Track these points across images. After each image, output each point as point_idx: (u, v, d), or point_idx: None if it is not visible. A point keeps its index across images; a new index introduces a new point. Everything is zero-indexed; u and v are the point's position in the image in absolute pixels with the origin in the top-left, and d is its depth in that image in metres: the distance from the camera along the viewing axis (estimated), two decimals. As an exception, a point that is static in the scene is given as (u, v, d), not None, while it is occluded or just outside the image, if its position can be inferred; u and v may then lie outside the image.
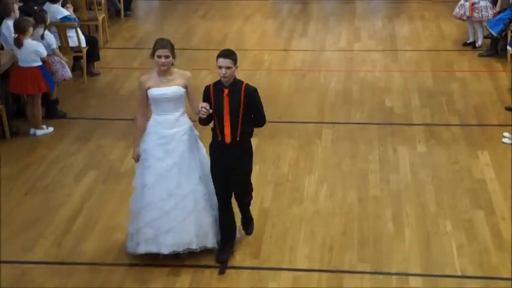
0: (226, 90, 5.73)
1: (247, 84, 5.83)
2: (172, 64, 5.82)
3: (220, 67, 5.68)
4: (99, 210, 6.97)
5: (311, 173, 7.64)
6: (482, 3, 10.85)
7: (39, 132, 8.61)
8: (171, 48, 5.78)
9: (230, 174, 5.88)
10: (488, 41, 11.00)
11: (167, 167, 5.81)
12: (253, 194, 6.94)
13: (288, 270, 6.01)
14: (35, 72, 8.42)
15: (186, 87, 5.86)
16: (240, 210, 6.23)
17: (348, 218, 6.80)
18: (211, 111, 5.70)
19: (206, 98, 5.79)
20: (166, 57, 5.74)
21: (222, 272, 5.91)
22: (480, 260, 6.13)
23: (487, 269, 6.02)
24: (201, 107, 5.67)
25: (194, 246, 5.93)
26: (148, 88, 5.82)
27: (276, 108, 9.27)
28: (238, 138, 5.78)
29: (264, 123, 6.03)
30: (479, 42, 11.14)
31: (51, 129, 8.71)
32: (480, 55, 10.87)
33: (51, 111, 9.04)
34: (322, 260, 6.17)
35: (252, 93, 5.81)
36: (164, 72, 5.81)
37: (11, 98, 8.89)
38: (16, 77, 8.49)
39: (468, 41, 11.29)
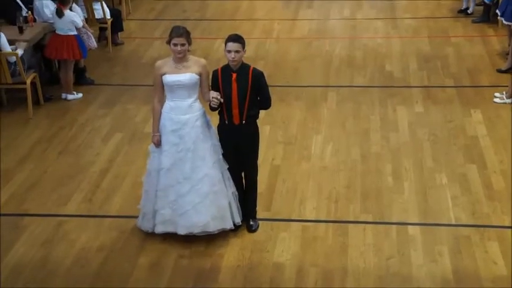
0: (234, 75, 5.50)
1: (254, 68, 5.61)
2: (188, 51, 5.53)
3: (229, 51, 5.46)
4: (125, 168, 6.97)
5: (318, 132, 7.58)
6: None
7: (70, 96, 8.58)
8: (187, 36, 5.47)
9: (239, 154, 5.70)
10: (481, 8, 10.79)
11: (182, 151, 5.54)
12: (266, 152, 6.94)
13: (297, 221, 6.01)
14: (71, 40, 8.38)
15: (200, 75, 5.54)
16: (246, 194, 5.88)
17: (352, 173, 6.76)
18: (222, 100, 5.48)
19: (214, 82, 5.57)
20: (182, 45, 5.42)
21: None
22: (473, 210, 6.10)
23: (479, 217, 6.00)
24: (212, 97, 5.44)
25: (211, 228, 5.63)
26: (164, 74, 5.50)
27: (285, 73, 9.18)
28: (244, 121, 5.58)
29: (270, 106, 5.75)
30: (470, 9, 10.95)
31: (80, 94, 8.68)
32: (473, 21, 10.68)
33: (81, 78, 9.00)
34: (329, 211, 6.16)
35: (259, 77, 5.58)
36: (180, 59, 5.48)
37: (44, 66, 8.85)
38: (53, 44, 8.43)
39: (462, 8, 11.09)
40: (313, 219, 6.05)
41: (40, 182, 6.76)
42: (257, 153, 5.85)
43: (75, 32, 8.39)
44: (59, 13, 8.30)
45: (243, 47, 5.53)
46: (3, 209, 6.33)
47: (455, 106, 8.06)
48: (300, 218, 6.07)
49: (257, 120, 5.75)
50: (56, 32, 8.42)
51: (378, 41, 10.22)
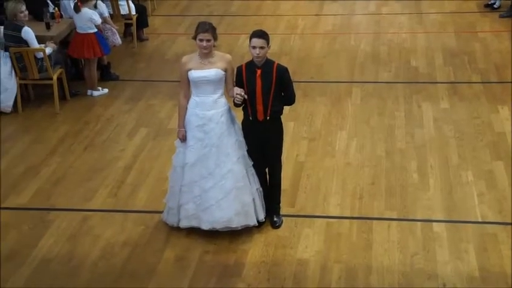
0: (259, 71, 5.49)
1: (278, 64, 5.57)
2: (214, 46, 5.52)
3: (254, 47, 5.43)
4: (150, 163, 7.02)
5: (342, 128, 7.56)
6: None
7: (95, 93, 8.66)
8: (213, 31, 5.45)
9: (263, 150, 5.70)
10: (509, 2, 10.64)
11: (207, 147, 5.54)
12: (290, 148, 6.95)
13: (321, 218, 6.01)
14: (91, 38, 8.43)
15: (225, 70, 5.52)
16: (271, 190, 5.87)
17: (376, 169, 6.73)
18: (246, 96, 5.48)
19: (239, 78, 5.56)
20: (208, 41, 5.40)
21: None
22: (499, 207, 6.04)
23: (506, 215, 5.93)
24: (236, 94, 5.43)
25: (234, 224, 5.63)
26: (189, 70, 5.50)
27: (309, 69, 9.16)
28: (268, 117, 5.57)
29: (294, 101, 5.75)
30: (497, 3, 10.81)
31: (106, 90, 8.75)
32: (501, 16, 10.54)
33: (106, 74, 9.07)
34: (353, 208, 6.14)
35: (283, 73, 5.56)
36: (206, 55, 5.48)
37: (70, 62, 8.94)
38: (74, 42, 8.53)
39: (489, 2, 10.96)
40: (337, 215, 6.04)
41: (66, 177, 6.84)
42: (281, 149, 5.84)
43: (94, 30, 8.42)
44: (76, 9, 8.36)
45: (268, 43, 5.51)
46: (30, 203, 6.42)
47: (482, 102, 7.97)
48: (324, 214, 6.06)
49: (281, 117, 5.74)
50: (76, 30, 8.48)
51: (403, 36, 10.14)
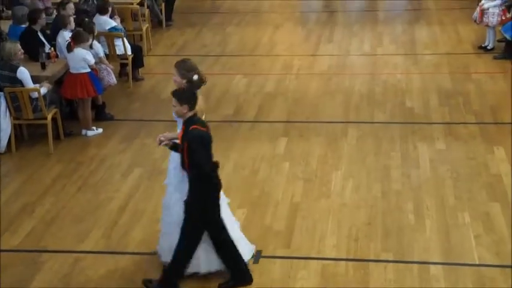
0: (183, 128, 5.32)
1: (193, 129, 5.21)
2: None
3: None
4: (144, 204, 7.00)
5: (338, 168, 7.58)
6: (490, 10, 10.67)
7: (89, 133, 8.68)
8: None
9: None
10: (503, 44, 10.79)
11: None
12: (285, 189, 6.96)
13: (317, 259, 5.97)
14: (84, 78, 8.49)
15: None
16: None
17: (372, 210, 6.73)
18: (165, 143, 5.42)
19: None
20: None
21: None
22: (497, 249, 6.02)
23: (503, 257, 5.91)
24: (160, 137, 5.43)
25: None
26: None
27: (304, 109, 9.22)
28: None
29: (198, 173, 5.22)
30: (490, 45, 10.95)
31: (100, 130, 8.78)
32: (495, 57, 10.67)
33: (100, 114, 9.10)
34: (349, 249, 6.11)
35: (189, 141, 5.20)
36: None
37: (65, 102, 8.98)
38: (67, 83, 8.58)
39: (483, 44, 11.10)
40: (333, 257, 6.01)
41: (59, 218, 6.81)
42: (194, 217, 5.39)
43: (87, 70, 8.49)
44: (69, 48, 8.45)
45: (179, 102, 5.23)
46: (23, 244, 6.38)
47: (477, 143, 8.02)
48: (320, 256, 6.03)
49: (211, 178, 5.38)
50: (70, 71, 8.55)
51: (398, 76, 10.25)
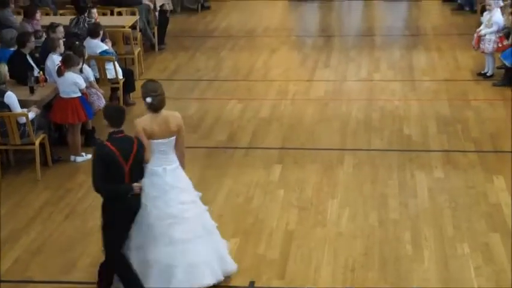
0: None
1: (100, 144, 5.94)
2: None
3: None
4: (134, 232, 7.00)
5: (334, 196, 7.62)
6: (487, 36, 10.82)
7: (78, 159, 8.71)
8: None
9: None
10: (502, 71, 10.91)
11: None
12: (280, 217, 6.98)
13: (312, 290, 5.99)
14: (75, 103, 8.55)
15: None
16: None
17: (369, 240, 6.76)
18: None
19: None
20: None
21: None
22: (497, 280, 6.06)
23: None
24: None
25: None
26: None
27: (300, 135, 9.29)
28: None
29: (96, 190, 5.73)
30: (490, 71, 11.08)
31: (89, 156, 8.78)
32: (494, 84, 10.79)
33: (90, 139, 9.14)
34: (345, 280, 6.13)
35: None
36: None
37: (53, 127, 9.02)
38: (57, 108, 8.64)
39: (482, 71, 11.22)
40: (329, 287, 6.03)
41: (45, 246, 6.81)
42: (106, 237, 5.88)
43: (78, 94, 8.57)
44: (59, 72, 8.53)
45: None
46: (8, 273, 6.36)
47: (476, 172, 8.08)
48: (315, 287, 6.03)
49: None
50: (60, 95, 8.62)
51: (396, 103, 10.34)
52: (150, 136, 5.80)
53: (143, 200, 5.82)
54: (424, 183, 7.85)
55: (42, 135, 8.33)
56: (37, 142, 8.19)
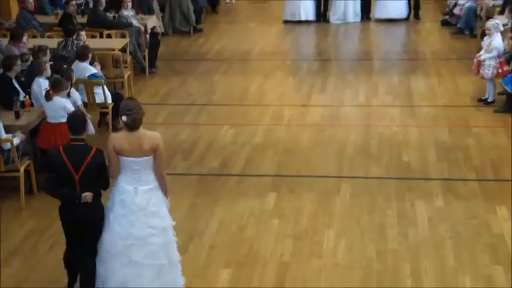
0: None
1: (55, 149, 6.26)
2: None
3: None
4: (121, 263, 6.93)
5: (330, 226, 7.57)
6: (486, 62, 10.88)
7: (65, 186, 8.64)
8: None
9: None
10: (504, 97, 10.94)
11: None
12: (274, 248, 6.92)
13: (307, 325, 5.92)
14: (63, 128, 8.46)
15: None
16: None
17: (367, 272, 6.70)
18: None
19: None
20: None
21: None
22: (500, 315, 6.00)
23: (507, 324, 5.89)
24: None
25: None
26: None
27: (295, 162, 9.26)
28: None
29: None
30: (490, 98, 11.11)
31: (77, 183, 8.74)
32: (495, 111, 10.81)
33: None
34: (342, 314, 6.07)
35: None
36: None
37: (39, 153, 8.96)
38: (45, 133, 8.60)
39: (483, 97, 11.25)
40: (324, 323, 5.96)
41: (28, 279, 6.72)
42: None
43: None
44: (47, 97, 8.51)
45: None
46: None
47: (478, 201, 8.06)
48: (311, 322, 5.97)
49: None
50: (47, 120, 8.59)
51: (394, 129, 10.34)
52: (119, 153, 5.95)
53: (110, 215, 6.01)
54: (424, 212, 7.81)
55: (27, 162, 8.28)
56: (22, 169, 8.13)
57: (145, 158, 5.96)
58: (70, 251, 6.24)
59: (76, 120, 6.16)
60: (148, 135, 6.00)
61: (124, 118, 5.93)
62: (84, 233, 6.06)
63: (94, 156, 5.95)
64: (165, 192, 6.16)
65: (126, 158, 5.96)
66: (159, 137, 6.03)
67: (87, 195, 5.95)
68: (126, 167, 5.99)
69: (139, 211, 5.95)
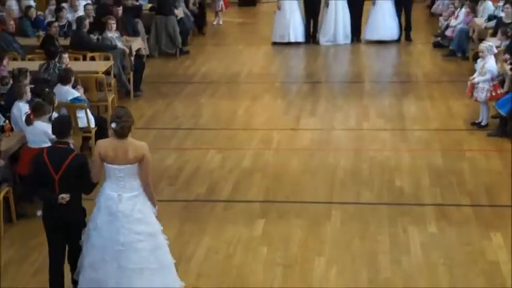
0: None
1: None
2: None
3: None
4: None
5: (320, 254, 7.56)
6: (480, 85, 10.98)
7: (46, 213, 8.59)
8: None
9: None
10: (497, 120, 11.01)
11: None
12: (263, 276, 6.89)
13: None
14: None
15: None
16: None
17: (359, 301, 6.69)
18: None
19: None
20: None
21: None
22: None
23: None
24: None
25: None
26: None
27: (284, 187, 9.26)
28: None
29: None
30: (484, 121, 11.18)
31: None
32: (489, 134, 10.88)
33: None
34: None
35: None
36: None
37: (19, 180, 8.92)
38: (25, 158, 8.54)
39: (476, 121, 11.31)
40: None
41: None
42: None
43: (48, 144, 8.47)
44: (28, 121, 8.52)
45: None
46: None
47: (472, 227, 8.07)
48: None
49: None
50: (28, 145, 8.57)
51: (386, 153, 10.38)
52: (104, 159, 6.21)
53: (98, 221, 6.24)
54: (417, 239, 7.82)
55: (6, 189, 8.22)
56: (0, 196, 8.07)
57: (129, 165, 6.17)
58: (54, 260, 6.52)
59: (61, 124, 6.54)
60: (135, 144, 6.22)
61: (113, 125, 6.14)
62: (67, 236, 6.41)
63: (75, 157, 6.29)
64: (153, 201, 6.38)
65: (110, 165, 6.17)
66: (145, 148, 6.24)
67: (64, 197, 6.23)
68: (110, 174, 6.20)
69: (124, 218, 6.14)
